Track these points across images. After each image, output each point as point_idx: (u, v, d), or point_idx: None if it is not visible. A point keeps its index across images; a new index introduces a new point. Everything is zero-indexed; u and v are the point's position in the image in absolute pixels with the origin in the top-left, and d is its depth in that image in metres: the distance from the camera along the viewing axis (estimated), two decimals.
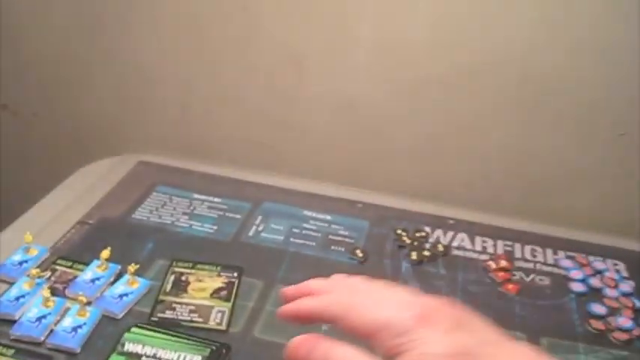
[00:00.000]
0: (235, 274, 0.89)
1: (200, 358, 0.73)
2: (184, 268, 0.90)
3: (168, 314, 0.83)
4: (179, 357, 0.73)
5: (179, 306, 0.84)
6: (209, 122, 1.28)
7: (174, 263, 0.91)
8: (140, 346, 0.74)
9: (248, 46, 1.19)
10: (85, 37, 1.27)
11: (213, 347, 0.74)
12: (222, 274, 0.89)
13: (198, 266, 0.91)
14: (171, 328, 0.78)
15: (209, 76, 1.23)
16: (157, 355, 0.73)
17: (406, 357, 0.46)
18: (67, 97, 1.35)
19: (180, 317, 0.82)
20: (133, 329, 0.76)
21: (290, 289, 0.59)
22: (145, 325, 0.77)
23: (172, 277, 0.89)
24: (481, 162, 1.17)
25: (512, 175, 1.17)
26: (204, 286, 0.87)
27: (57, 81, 1.34)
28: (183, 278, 0.88)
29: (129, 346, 0.74)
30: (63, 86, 1.34)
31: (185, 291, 0.86)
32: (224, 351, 0.74)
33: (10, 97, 1.38)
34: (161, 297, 0.85)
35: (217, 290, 0.87)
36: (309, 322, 0.54)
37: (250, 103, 1.24)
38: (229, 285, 0.88)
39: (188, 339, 0.76)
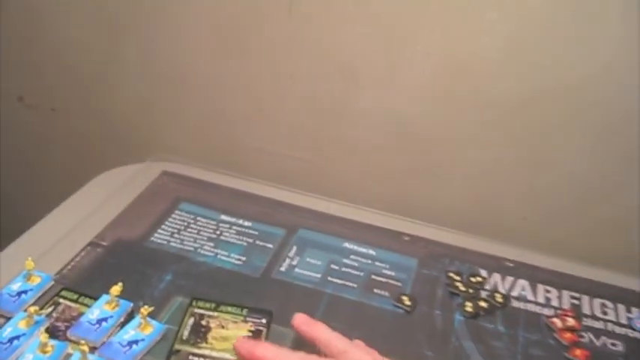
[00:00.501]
0: (264, 320, 0.78)
1: None
2: (206, 309, 0.79)
3: None
4: None
5: (196, 359, 0.72)
6: (242, 133, 1.16)
7: (194, 303, 0.79)
8: None
9: (290, 53, 1.06)
10: (111, 32, 1.15)
11: None
12: (248, 319, 0.77)
13: (222, 308, 0.79)
14: None
15: (245, 83, 1.11)
16: None
17: None
18: (88, 93, 1.24)
19: None
20: None
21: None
22: None
23: (191, 321, 0.77)
24: (546, 197, 1.04)
25: (580, 213, 1.04)
26: (227, 334, 0.75)
27: (78, 76, 1.23)
28: (204, 322, 0.77)
29: None
30: (85, 82, 1.23)
31: (205, 339, 0.75)
32: None
33: (26, 90, 1.27)
34: (177, 346, 0.74)
35: None
36: None
37: (289, 116, 1.11)
38: (255, 334, 0.76)
39: None
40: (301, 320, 0.71)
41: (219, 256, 0.88)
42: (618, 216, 1.03)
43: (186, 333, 0.75)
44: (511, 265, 0.94)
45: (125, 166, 1.06)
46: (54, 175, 1.33)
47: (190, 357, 0.72)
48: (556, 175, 1.03)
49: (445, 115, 1.03)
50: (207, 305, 0.79)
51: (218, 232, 0.93)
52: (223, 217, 0.96)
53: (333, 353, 0.66)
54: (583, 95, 0.95)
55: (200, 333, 0.75)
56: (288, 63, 1.07)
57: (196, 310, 0.78)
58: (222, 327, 0.76)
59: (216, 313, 0.78)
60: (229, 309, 0.79)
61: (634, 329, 0.85)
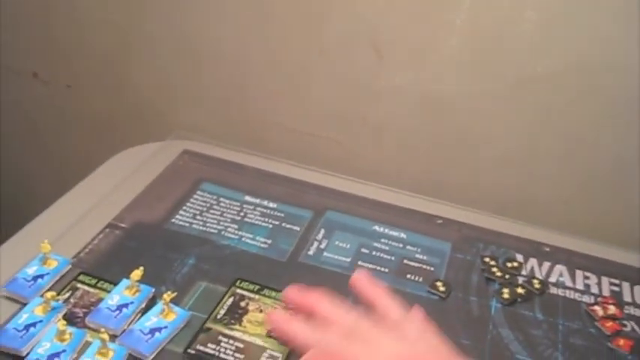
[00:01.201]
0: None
1: None
2: (248, 291, 0.75)
3: (210, 349, 0.68)
4: None
5: (226, 340, 0.69)
6: (267, 110, 1.11)
7: (237, 283, 0.76)
8: None
9: (319, 26, 1.01)
10: (129, 4, 1.11)
11: None
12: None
13: (265, 292, 0.75)
14: None
15: (271, 58, 1.06)
16: None
17: None
18: (105, 69, 1.19)
19: (221, 355, 0.67)
20: None
21: (294, 295, 0.66)
22: None
23: (230, 301, 0.73)
24: (587, 176, 0.99)
25: (621, 197, 0.99)
26: (263, 318, 0.72)
27: (95, 51, 1.18)
28: (243, 304, 0.73)
29: None
30: (102, 57, 1.18)
31: (239, 321, 0.71)
32: None
33: (41, 66, 1.23)
34: (209, 324, 0.70)
35: None
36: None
37: (317, 92, 1.06)
38: None
39: None
40: (363, 277, 0.68)
41: (243, 239, 0.84)
42: None
43: (221, 312, 0.72)
44: (548, 250, 0.90)
45: (144, 144, 1.02)
46: (70, 155, 1.29)
47: (220, 337, 0.69)
48: (597, 157, 0.98)
49: (480, 93, 0.98)
50: (251, 287, 0.76)
51: (242, 214, 0.88)
52: (247, 198, 0.92)
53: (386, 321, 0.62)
54: (627, 70, 0.90)
55: (236, 314, 0.72)
56: (318, 37, 1.02)
57: (238, 291, 0.75)
58: (261, 311, 0.73)
59: (257, 296, 0.74)
60: (272, 294, 0.75)
61: None
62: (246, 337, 0.69)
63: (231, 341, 0.69)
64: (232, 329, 0.70)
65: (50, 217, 0.86)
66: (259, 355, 0.68)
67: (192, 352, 0.67)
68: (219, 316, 0.71)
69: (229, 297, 0.74)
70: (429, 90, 1.00)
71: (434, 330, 0.62)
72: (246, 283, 0.76)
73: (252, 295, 0.75)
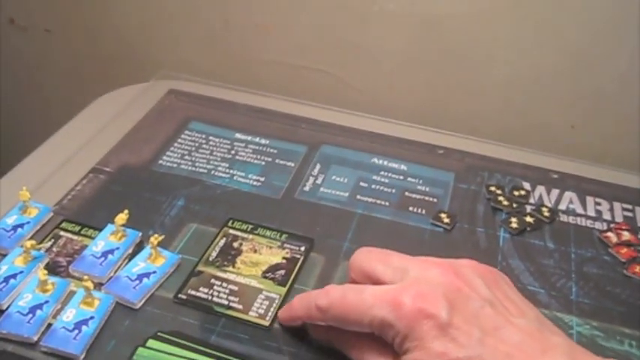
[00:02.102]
0: (302, 248, 0.70)
1: None
2: (241, 231, 0.71)
3: (202, 293, 0.64)
4: None
5: (219, 283, 0.65)
6: (256, 42, 1.05)
7: (230, 223, 0.72)
8: None
9: None
10: None
11: None
12: (285, 245, 0.70)
13: (259, 231, 0.71)
14: (201, 340, 0.58)
15: None
16: None
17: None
18: (84, 11, 1.13)
19: (214, 299, 0.63)
20: (151, 342, 0.55)
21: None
22: (166, 336, 0.57)
23: (222, 242, 0.69)
24: (593, 100, 0.94)
25: (629, 117, 0.94)
26: (258, 259, 0.68)
27: None
28: (236, 245, 0.69)
29: None
30: None
31: (233, 263, 0.67)
32: None
33: (17, 11, 1.17)
34: (200, 267, 0.67)
35: (274, 267, 0.67)
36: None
37: (306, 21, 1.00)
38: (291, 262, 0.68)
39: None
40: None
41: (235, 178, 0.80)
42: None
43: (214, 254, 0.68)
44: (556, 176, 0.85)
45: (128, 86, 0.97)
46: (52, 101, 1.24)
47: (212, 280, 0.65)
48: (604, 76, 0.92)
49: (478, 13, 0.92)
50: (244, 227, 0.72)
51: (233, 152, 0.84)
52: (238, 135, 0.87)
53: (390, 276, 0.55)
54: None
55: (229, 256, 0.68)
56: None
57: (230, 231, 0.71)
58: (255, 251, 0.69)
59: (251, 236, 0.70)
60: (267, 233, 0.71)
61: None
62: (240, 279, 0.65)
63: (224, 284, 0.65)
64: (225, 271, 0.66)
65: (31, 164, 0.81)
66: (255, 296, 0.64)
67: (184, 297, 0.63)
68: (211, 259, 0.67)
69: (221, 238, 0.70)
70: (426, 13, 0.94)
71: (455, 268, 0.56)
72: (239, 223, 0.72)
73: (245, 235, 0.71)
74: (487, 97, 0.98)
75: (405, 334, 0.49)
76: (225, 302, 0.63)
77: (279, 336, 0.61)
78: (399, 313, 0.50)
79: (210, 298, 0.63)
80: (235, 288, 0.64)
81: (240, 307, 0.63)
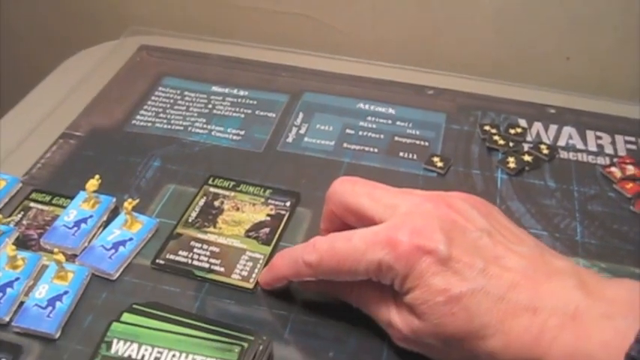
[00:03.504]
0: (288, 204, 0.65)
1: None
2: (222, 188, 0.67)
3: (182, 257, 0.60)
4: None
5: (199, 245, 0.61)
6: None
7: (210, 180, 0.68)
8: (134, 347, 0.49)
9: None
10: None
11: (244, 344, 0.49)
12: (270, 201, 0.65)
13: (241, 187, 0.67)
14: (180, 311, 0.54)
15: None
16: None
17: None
18: None
19: (194, 263, 0.59)
20: (125, 316, 0.51)
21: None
22: (142, 308, 0.53)
23: (202, 201, 0.65)
24: (589, 29, 0.89)
25: (626, 45, 0.89)
26: (240, 217, 0.64)
27: None
28: (217, 204, 0.65)
29: (117, 348, 0.49)
30: None
31: (214, 223, 0.63)
32: (260, 348, 0.49)
33: None
34: (179, 229, 0.62)
35: (257, 225, 0.63)
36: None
37: None
38: (275, 219, 0.64)
39: (206, 329, 0.51)
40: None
41: (213, 133, 0.75)
42: None
43: (193, 215, 0.64)
44: (554, 111, 0.81)
45: (96, 45, 0.91)
46: (17, 67, 1.18)
47: (192, 243, 0.61)
48: (601, 6, 0.87)
49: None
50: (225, 184, 0.67)
51: (210, 106, 0.79)
52: (215, 88, 0.82)
53: (380, 213, 0.51)
54: None
55: (210, 215, 0.64)
56: None
57: (211, 190, 0.67)
58: (238, 209, 0.65)
59: (233, 193, 0.66)
60: (250, 189, 0.67)
61: None
62: (222, 240, 0.61)
63: (205, 246, 0.61)
64: (206, 232, 0.62)
65: None
66: (238, 258, 0.60)
67: (162, 262, 0.59)
68: (190, 220, 0.63)
69: (201, 197, 0.66)
70: None
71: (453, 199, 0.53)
72: (220, 180, 0.68)
73: (227, 193, 0.66)
74: (476, 30, 0.93)
75: (404, 274, 0.47)
76: (206, 265, 0.59)
77: (265, 299, 0.57)
78: (395, 253, 0.47)
79: (190, 262, 0.59)
80: (217, 250, 0.60)
81: (222, 269, 0.59)
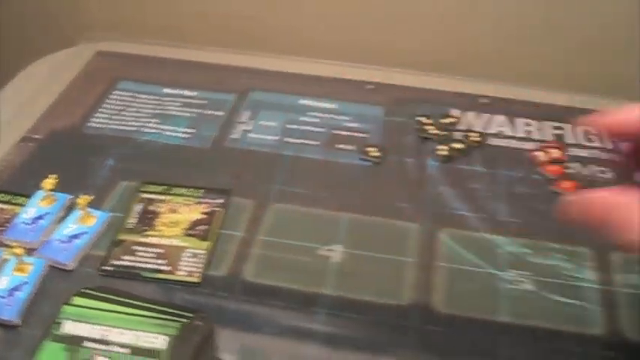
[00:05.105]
0: (220, 201, 0.70)
1: (165, 340, 0.53)
2: (155, 193, 0.71)
3: (127, 261, 0.64)
4: (137, 339, 0.53)
5: (142, 249, 0.65)
6: None
7: (141, 187, 0.71)
8: (83, 327, 0.54)
9: None
10: None
11: (184, 320, 0.54)
12: (202, 200, 0.70)
13: (174, 190, 0.71)
14: (125, 293, 0.59)
15: None
16: (106, 339, 0.53)
17: None
18: None
19: (140, 265, 0.63)
20: (76, 299, 0.56)
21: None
22: (90, 292, 0.58)
23: (139, 208, 0.69)
24: (519, 24, 0.94)
25: (557, 38, 0.94)
26: (177, 218, 0.68)
27: None
28: (152, 208, 0.69)
29: (68, 327, 0.54)
30: None
31: (152, 227, 0.67)
32: (198, 324, 0.54)
33: None
34: (120, 236, 0.66)
35: (195, 224, 0.67)
36: None
37: None
38: (211, 215, 0.68)
39: (150, 309, 0.56)
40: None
41: (165, 133, 0.80)
42: (595, 37, 0.94)
43: (132, 221, 0.68)
44: (486, 101, 0.86)
45: (54, 53, 0.96)
46: None
47: (135, 247, 0.65)
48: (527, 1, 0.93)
49: None
50: (158, 189, 0.71)
51: (162, 108, 0.84)
52: (166, 90, 0.87)
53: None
54: None
55: (147, 220, 0.68)
56: None
57: (144, 196, 0.70)
58: (174, 211, 0.69)
59: (166, 197, 0.70)
60: (182, 191, 0.71)
61: (620, 152, 0.78)
62: (163, 241, 0.65)
63: (148, 248, 0.65)
64: (147, 236, 0.66)
65: None
66: (180, 255, 0.64)
67: (109, 268, 0.63)
68: (129, 226, 0.67)
69: (136, 203, 0.70)
70: None
71: None
72: (152, 186, 0.71)
73: (160, 197, 0.70)
74: (412, 26, 0.98)
75: None
76: (152, 266, 0.63)
77: (211, 289, 0.62)
78: None
79: (135, 265, 0.63)
80: (160, 250, 0.64)
81: (169, 268, 0.63)
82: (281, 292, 0.61)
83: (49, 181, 0.68)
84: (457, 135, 0.80)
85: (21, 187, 0.71)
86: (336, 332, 0.58)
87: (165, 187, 0.71)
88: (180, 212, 0.68)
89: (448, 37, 0.97)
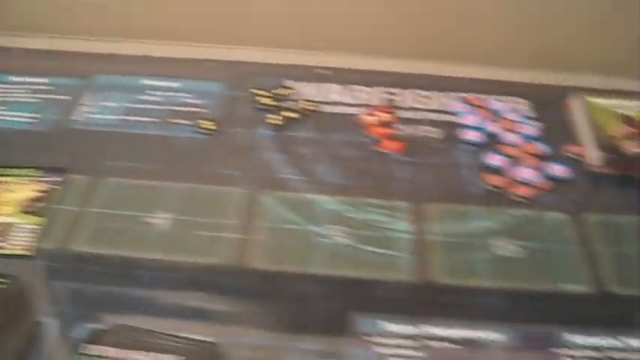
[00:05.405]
0: (59, 179, 0.74)
1: None
2: None
3: None
4: None
5: None
6: None
7: None
8: None
9: None
10: None
11: None
12: (39, 179, 0.73)
13: (9, 171, 0.74)
14: None
15: None
16: None
17: None
18: None
19: None
20: None
21: None
22: None
23: None
24: None
25: (391, 8, 0.98)
26: (14, 197, 0.71)
27: None
28: None
29: None
30: None
31: None
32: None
33: None
34: None
35: (31, 202, 0.71)
36: None
37: None
38: (48, 192, 0.72)
39: None
40: None
41: (11, 119, 0.83)
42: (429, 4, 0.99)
43: None
44: (322, 71, 0.91)
45: None
46: None
47: None
48: None
49: None
50: None
51: (8, 95, 0.87)
52: (14, 78, 0.90)
53: None
54: None
55: None
56: None
57: None
58: (11, 191, 0.72)
59: (3, 178, 0.73)
60: (16, 172, 0.74)
61: (450, 113, 0.84)
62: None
63: None
64: None
65: None
66: (15, 232, 0.68)
67: None
68: None
69: None
70: None
71: None
72: None
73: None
74: (255, 2, 1.00)
75: None
76: None
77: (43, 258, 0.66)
78: None
79: None
80: None
81: (3, 244, 0.66)
82: (106, 258, 0.65)
83: None
84: (292, 105, 0.85)
85: None
86: (159, 292, 0.63)
87: (3, 168, 0.74)
88: (17, 192, 0.72)
89: (288, 9, 0.99)
